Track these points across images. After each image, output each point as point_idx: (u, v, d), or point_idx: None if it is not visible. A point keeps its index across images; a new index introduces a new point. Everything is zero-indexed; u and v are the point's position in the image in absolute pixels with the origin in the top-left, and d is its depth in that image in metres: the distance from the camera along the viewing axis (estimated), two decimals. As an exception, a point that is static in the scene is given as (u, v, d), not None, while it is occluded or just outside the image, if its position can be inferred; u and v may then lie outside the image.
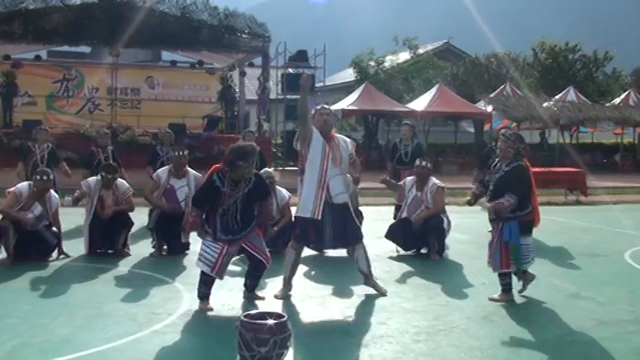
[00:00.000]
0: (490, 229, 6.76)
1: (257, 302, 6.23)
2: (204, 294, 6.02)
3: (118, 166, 9.08)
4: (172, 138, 11.35)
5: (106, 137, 11.27)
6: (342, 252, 8.57)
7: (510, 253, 6.31)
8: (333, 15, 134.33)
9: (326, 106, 6.69)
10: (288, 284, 6.56)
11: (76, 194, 8.36)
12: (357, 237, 6.56)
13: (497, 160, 6.63)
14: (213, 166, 6.10)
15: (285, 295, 6.45)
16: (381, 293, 6.54)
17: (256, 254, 6.08)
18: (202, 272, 5.99)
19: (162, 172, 8.65)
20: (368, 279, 6.62)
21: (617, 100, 30.42)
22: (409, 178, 8.92)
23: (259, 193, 6.06)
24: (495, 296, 6.47)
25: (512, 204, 6.18)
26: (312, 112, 6.49)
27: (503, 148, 6.42)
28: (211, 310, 5.95)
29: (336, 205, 6.36)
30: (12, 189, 7.97)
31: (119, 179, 8.63)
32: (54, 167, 10.44)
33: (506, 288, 6.48)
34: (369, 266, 6.58)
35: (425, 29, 52.90)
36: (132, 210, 8.61)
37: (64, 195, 9.98)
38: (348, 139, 6.68)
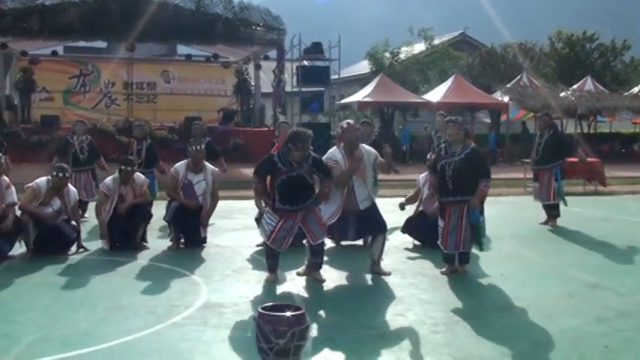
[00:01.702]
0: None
1: (275, 294, 6.26)
2: (270, 265, 6.72)
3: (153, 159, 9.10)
4: (205, 129, 11.35)
5: (140, 129, 11.19)
6: (358, 242, 8.58)
7: (476, 232, 6.93)
8: (346, 6, 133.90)
9: (353, 122, 7.12)
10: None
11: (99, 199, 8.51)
12: (380, 229, 7.01)
13: (444, 143, 7.09)
14: (277, 146, 6.93)
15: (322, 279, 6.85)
16: (385, 274, 7.01)
17: (307, 233, 6.60)
18: (265, 245, 6.70)
19: (180, 166, 8.66)
20: (374, 265, 7.09)
21: (635, 89, 30.06)
22: (423, 175, 8.90)
23: (320, 172, 6.61)
24: (461, 269, 7.06)
25: (489, 186, 6.82)
26: (344, 125, 6.96)
27: (455, 133, 6.83)
28: (276, 281, 6.64)
29: (361, 211, 6.91)
30: (31, 184, 8.03)
31: (136, 173, 8.68)
32: (95, 160, 10.76)
33: (467, 259, 7.10)
34: (380, 255, 7.10)
35: (438, 19, 52.69)
36: (148, 202, 8.67)
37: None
38: (372, 150, 7.08)
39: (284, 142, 6.51)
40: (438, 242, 7.16)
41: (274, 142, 10.43)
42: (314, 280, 6.73)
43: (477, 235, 6.99)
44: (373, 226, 7.00)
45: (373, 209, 7.02)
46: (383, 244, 7.08)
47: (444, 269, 7.15)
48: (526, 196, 13.63)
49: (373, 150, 7.10)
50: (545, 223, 10.57)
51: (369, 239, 8.60)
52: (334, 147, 7.08)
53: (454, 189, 6.80)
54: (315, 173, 6.59)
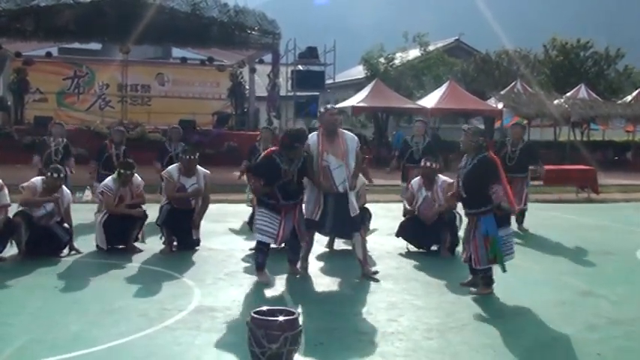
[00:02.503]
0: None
1: (267, 299, 6.24)
2: (260, 264, 6.81)
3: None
4: (181, 133, 11.42)
5: (119, 133, 11.31)
6: (350, 247, 8.58)
7: (490, 246, 6.40)
8: (342, 11, 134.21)
9: (335, 107, 7.36)
10: (304, 261, 7.31)
11: (99, 198, 8.49)
12: (355, 228, 7.05)
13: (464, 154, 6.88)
14: (270, 150, 7.04)
15: (298, 271, 7.20)
16: (373, 280, 6.97)
17: (298, 232, 6.94)
18: (260, 243, 6.79)
19: (173, 170, 8.63)
20: (362, 266, 7.07)
21: (628, 98, 30.19)
22: (416, 179, 8.89)
23: (305, 169, 6.92)
24: (474, 289, 6.61)
25: (502, 190, 6.40)
26: (322, 110, 7.25)
27: (466, 142, 6.64)
28: (267, 280, 6.74)
29: (339, 195, 6.90)
30: (27, 183, 8.00)
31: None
32: (65, 162, 10.52)
33: (489, 281, 6.57)
34: (364, 254, 7.08)
35: (434, 25, 52.78)
36: (144, 203, 8.65)
37: (76, 191, 9.97)
38: (355, 137, 7.20)
39: (288, 143, 6.71)
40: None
41: (256, 146, 10.36)
42: (291, 273, 7.12)
43: (492, 250, 6.39)
44: (347, 226, 7.02)
45: (348, 205, 6.92)
46: (362, 243, 7.06)
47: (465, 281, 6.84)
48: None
49: (356, 138, 7.19)
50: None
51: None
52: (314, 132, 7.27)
53: (466, 200, 6.61)
54: (304, 170, 6.89)
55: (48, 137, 11.01)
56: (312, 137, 7.04)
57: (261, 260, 6.80)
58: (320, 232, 7.88)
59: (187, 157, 8.56)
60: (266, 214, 6.76)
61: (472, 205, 6.55)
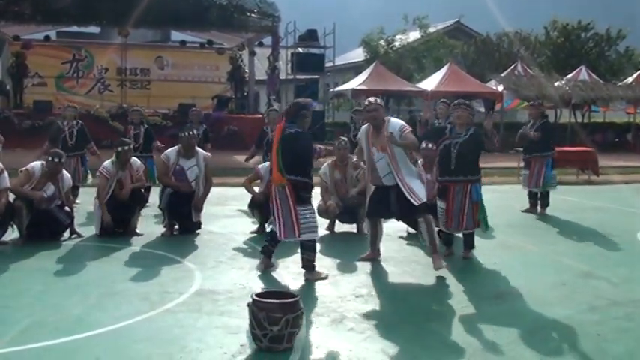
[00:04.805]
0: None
1: (268, 281, 6.26)
2: (272, 251, 6.62)
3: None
4: (201, 115, 11.46)
5: (137, 113, 11.34)
6: (353, 230, 8.60)
7: (478, 211, 7.01)
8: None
9: (372, 100, 6.94)
10: (372, 248, 7.23)
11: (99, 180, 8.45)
12: (413, 213, 6.80)
13: (449, 126, 7.30)
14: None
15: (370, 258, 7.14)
16: (435, 267, 6.65)
17: None
18: (312, 241, 6.39)
19: (171, 152, 8.61)
20: (431, 251, 6.83)
21: (629, 79, 30.08)
22: (418, 161, 8.90)
23: None
24: (466, 254, 7.21)
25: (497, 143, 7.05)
26: (361, 107, 7.30)
27: (464, 115, 7.00)
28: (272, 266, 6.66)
29: (391, 187, 6.76)
30: (25, 167, 7.99)
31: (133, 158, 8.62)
32: (84, 146, 10.74)
33: (472, 244, 7.27)
34: (430, 240, 6.74)
35: (434, 7, 52.41)
36: (144, 186, 8.66)
37: (92, 175, 9.97)
38: (397, 124, 6.81)
39: (294, 112, 6.35)
40: (440, 224, 7.13)
41: (264, 130, 10.53)
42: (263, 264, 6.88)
43: (480, 213, 7.04)
44: (408, 211, 6.77)
45: (407, 195, 6.64)
46: (428, 228, 6.75)
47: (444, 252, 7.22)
48: (520, 185, 13.61)
49: (399, 125, 6.78)
50: (527, 211, 10.60)
51: (360, 226, 8.61)
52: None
53: (458, 169, 6.89)
54: None
55: (61, 121, 10.93)
56: (363, 129, 7.01)
57: (272, 249, 6.62)
58: (386, 218, 7.59)
59: (186, 133, 8.52)
60: (311, 210, 6.43)
61: (466, 173, 6.93)
